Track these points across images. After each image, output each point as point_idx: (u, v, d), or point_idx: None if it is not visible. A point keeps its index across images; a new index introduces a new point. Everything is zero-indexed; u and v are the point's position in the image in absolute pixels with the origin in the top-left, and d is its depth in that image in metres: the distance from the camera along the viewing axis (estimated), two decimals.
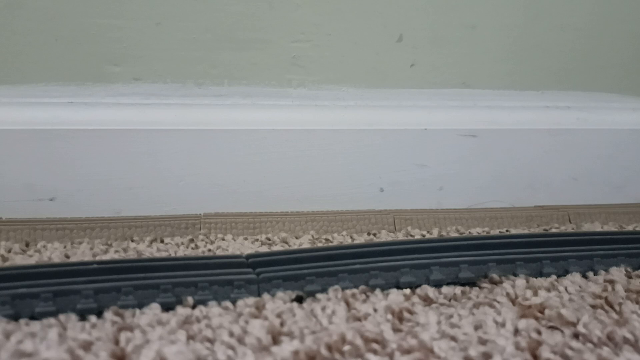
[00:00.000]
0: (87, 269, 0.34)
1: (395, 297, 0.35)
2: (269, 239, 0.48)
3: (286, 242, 0.48)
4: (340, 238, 0.49)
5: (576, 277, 0.39)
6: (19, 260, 0.41)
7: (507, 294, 0.36)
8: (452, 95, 0.56)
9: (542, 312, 0.33)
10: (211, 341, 0.29)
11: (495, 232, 0.53)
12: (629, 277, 0.39)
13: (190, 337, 0.29)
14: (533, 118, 0.57)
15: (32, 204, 0.48)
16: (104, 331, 0.30)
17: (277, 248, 0.46)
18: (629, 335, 0.30)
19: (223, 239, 0.48)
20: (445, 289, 0.37)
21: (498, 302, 0.35)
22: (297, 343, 0.29)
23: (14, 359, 0.27)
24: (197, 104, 0.52)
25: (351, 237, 0.50)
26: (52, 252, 0.43)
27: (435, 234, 0.51)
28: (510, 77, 0.57)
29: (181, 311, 0.32)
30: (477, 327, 0.31)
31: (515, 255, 0.39)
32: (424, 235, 0.50)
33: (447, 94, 0.56)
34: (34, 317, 0.31)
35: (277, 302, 0.34)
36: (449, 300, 0.36)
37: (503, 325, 0.32)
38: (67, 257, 0.42)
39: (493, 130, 0.55)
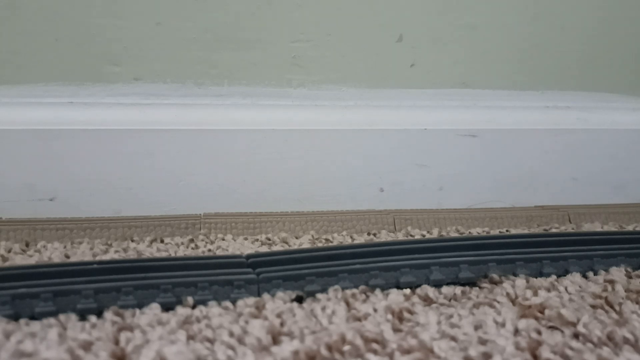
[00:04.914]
0: (87, 269, 0.34)
1: (395, 297, 0.35)
2: (269, 239, 0.48)
3: (286, 242, 0.48)
4: (340, 238, 0.49)
5: (576, 277, 0.39)
6: (19, 260, 0.41)
7: (507, 294, 0.36)
8: (452, 95, 0.56)
9: (542, 312, 0.33)
10: (211, 341, 0.29)
11: (495, 232, 0.53)
12: (629, 277, 0.39)
13: (190, 337, 0.29)
14: (533, 118, 0.57)
15: (32, 204, 0.48)
16: (104, 331, 0.30)
17: (277, 248, 0.46)
18: (629, 335, 0.30)
19: (223, 239, 0.48)
20: (445, 289, 0.37)
21: (498, 302, 0.35)
22: (297, 343, 0.29)
23: (14, 359, 0.27)
24: (197, 104, 0.52)
25: (351, 237, 0.50)
26: (52, 252, 0.43)
27: (435, 234, 0.51)
28: (510, 77, 0.57)
29: (181, 311, 0.32)
30: (477, 327, 0.31)
31: (515, 255, 0.39)
32: (424, 235, 0.50)
33: (447, 94, 0.56)
34: (34, 317, 0.31)
35: (277, 302, 0.34)
36: (449, 300, 0.36)
37: (503, 325, 0.32)
38: (67, 257, 0.42)
39: (493, 130, 0.55)
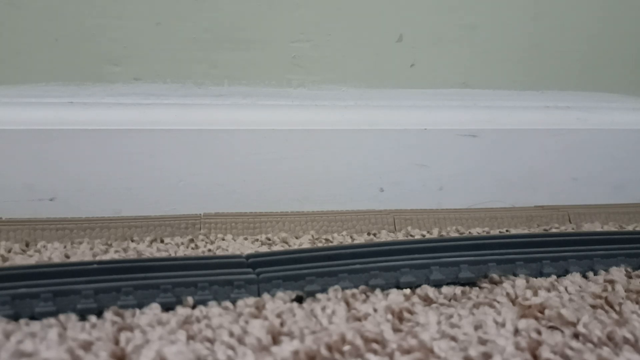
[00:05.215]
0: (87, 269, 0.34)
1: (395, 297, 0.35)
2: (269, 239, 0.48)
3: (286, 242, 0.48)
4: (340, 238, 0.49)
5: (576, 277, 0.39)
6: (19, 260, 0.41)
7: (507, 294, 0.36)
8: (452, 95, 0.56)
9: (542, 312, 0.33)
10: (211, 341, 0.29)
11: (495, 232, 0.53)
12: (629, 277, 0.39)
13: (190, 337, 0.29)
14: (533, 118, 0.57)
15: (32, 204, 0.48)
16: (104, 331, 0.30)
17: (277, 248, 0.46)
18: (629, 335, 0.30)
19: (223, 239, 0.48)
20: (445, 289, 0.37)
21: (498, 302, 0.35)
22: (297, 343, 0.29)
23: (14, 359, 0.27)
24: (197, 104, 0.52)
25: (351, 237, 0.50)
26: (52, 252, 0.43)
27: (435, 234, 0.51)
28: (510, 77, 0.57)
29: (181, 311, 0.32)
30: (477, 327, 0.31)
31: (515, 255, 0.39)
32: (424, 235, 0.50)
33: (447, 94, 0.56)
34: (34, 317, 0.31)
35: (277, 302, 0.34)
36: (449, 300, 0.36)
37: (503, 325, 0.32)
38: (67, 257, 0.42)
39: (493, 130, 0.55)
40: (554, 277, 0.39)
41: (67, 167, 0.48)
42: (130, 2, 0.48)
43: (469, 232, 0.52)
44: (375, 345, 0.29)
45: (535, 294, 0.36)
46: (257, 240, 0.48)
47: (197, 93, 0.52)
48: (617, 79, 0.59)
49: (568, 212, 0.56)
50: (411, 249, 0.39)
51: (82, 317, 0.32)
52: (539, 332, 0.31)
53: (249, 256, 0.38)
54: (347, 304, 0.34)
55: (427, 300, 0.35)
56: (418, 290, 0.36)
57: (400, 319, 0.33)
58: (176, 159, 0.50)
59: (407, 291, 0.36)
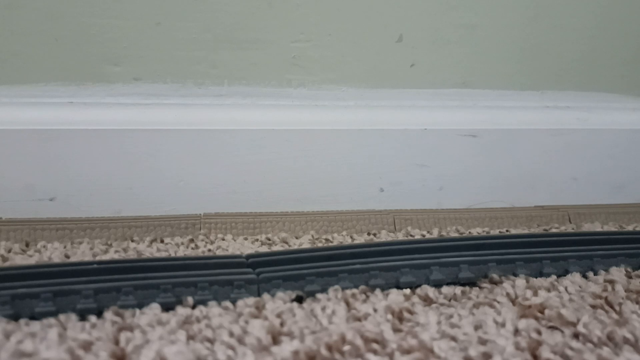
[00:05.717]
0: (87, 269, 0.34)
1: (395, 297, 0.35)
2: (269, 239, 0.48)
3: (286, 242, 0.48)
4: (340, 238, 0.49)
5: (576, 277, 0.39)
6: (19, 260, 0.41)
7: (507, 294, 0.36)
8: (452, 95, 0.56)
9: (542, 312, 0.33)
10: (211, 341, 0.29)
11: (495, 232, 0.53)
12: (629, 277, 0.39)
13: (190, 337, 0.29)
14: (533, 118, 0.57)
15: (32, 204, 0.48)
16: (104, 331, 0.30)
17: (277, 248, 0.46)
18: (629, 335, 0.30)
19: (223, 239, 0.48)
20: (445, 289, 0.37)
21: (498, 302, 0.35)
22: (297, 343, 0.29)
23: (14, 359, 0.27)
24: (197, 104, 0.52)
25: (351, 237, 0.50)
26: (52, 252, 0.43)
27: (435, 234, 0.51)
28: (510, 77, 0.57)
29: (181, 311, 0.32)
30: (477, 327, 0.31)
31: (515, 255, 0.39)
32: (424, 235, 0.50)
33: (447, 94, 0.56)
34: (34, 317, 0.31)
35: (277, 302, 0.34)
36: (449, 300, 0.36)
37: (503, 325, 0.32)
38: (67, 257, 0.42)
39: (493, 130, 0.55)
40: (554, 277, 0.39)
41: (67, 167, 0.48)
42: (130, 2, 0.48)
43: (469, 232, 0.52)
44: (375, 345, 0.29)
45: (535, 294, 0.36)
46: (257, 240, 0.48)
47: (197, 93, 0.52)
48: (617, 79, 0.59)
49: (568, 212, 0.56)
50: (411, 249, 0.39)
51: (82, 317, 0.32)
52: (539, 332, 0.31)
53: (249, 256, 0.38)
54: (347, 304, 0.34)
55: (427, 300, 0.35)
56: (418, 290, 0.36)
57: (400, 319, 0.33)
58: (176, 159, 0.50)
59: (407, 291, 0.36)
